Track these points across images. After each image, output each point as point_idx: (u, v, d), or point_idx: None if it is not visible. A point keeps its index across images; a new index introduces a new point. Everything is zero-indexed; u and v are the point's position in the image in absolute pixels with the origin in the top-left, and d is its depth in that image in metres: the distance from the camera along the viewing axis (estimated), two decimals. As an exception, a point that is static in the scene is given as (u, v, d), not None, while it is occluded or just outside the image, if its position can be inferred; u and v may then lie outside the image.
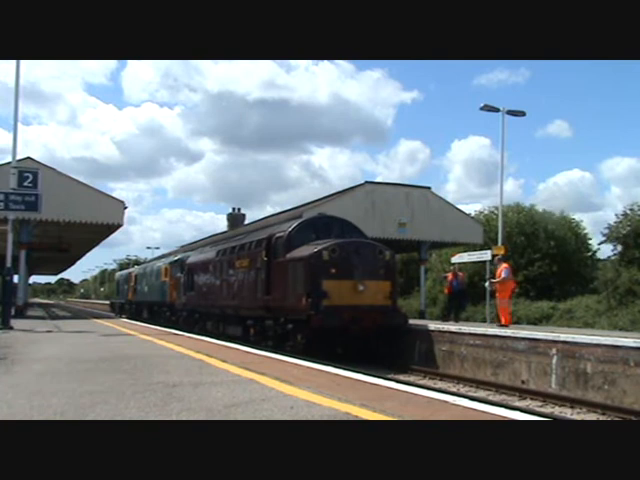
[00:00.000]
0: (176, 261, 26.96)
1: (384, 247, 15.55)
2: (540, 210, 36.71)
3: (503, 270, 15.75)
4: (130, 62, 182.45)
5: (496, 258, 17.26)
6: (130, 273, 39.08)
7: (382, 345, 14.88)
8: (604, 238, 27.09)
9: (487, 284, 16.86)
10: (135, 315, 33.49)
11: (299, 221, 16.29)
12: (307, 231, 15.67)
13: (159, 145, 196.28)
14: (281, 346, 14.64)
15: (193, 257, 24.34)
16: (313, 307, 13.78)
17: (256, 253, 16.81)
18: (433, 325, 16.14)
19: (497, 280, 15.89)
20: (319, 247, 14.34)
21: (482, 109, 20.99)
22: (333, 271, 14.11)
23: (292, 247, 15.15)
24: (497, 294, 16.17)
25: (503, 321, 15.73)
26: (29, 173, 16.69)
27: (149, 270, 32.73)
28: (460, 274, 19.54)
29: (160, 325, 21.36)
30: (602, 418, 9.55)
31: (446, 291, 19.91)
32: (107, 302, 63.52)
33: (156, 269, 30.65)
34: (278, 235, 15.96)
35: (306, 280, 14.24)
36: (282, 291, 15.19)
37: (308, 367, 7.82)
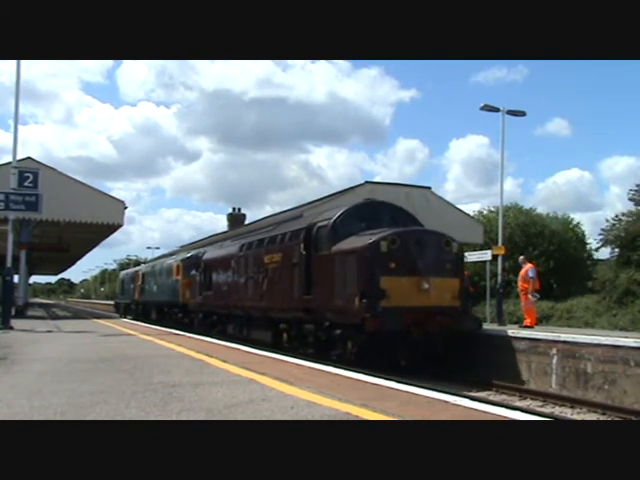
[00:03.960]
0: (189, 258, 24.91)
1: (451, 237, 13.27)
2: (541, 212, 36.73)
3: (529, 270, 15.53)
4: (125, 61, 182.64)
5: (521, 258, 16.80)
6: (137, 272, 36.68)
7: (450, 354, 12.46)
8: (601, 242, 27.26)
9: (531, 296, 15.89)
10: (142, 316, 31.43)
11: (345, 208, 13.74)
12: (355, 219, 13.28)
13: (156, 144, 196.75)
14: (325, 354, 12.57)
15: (211, 253, 22.00)
16: (369, 309, 11.51)
17: (292, 246, 14.41)
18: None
19: (534, 288, 15.40)
20: (375, 237, 12.01)
21: (482, 109, 20.96)
22: (392, 266, 11.79)
23: (339, 238, 12.81)
24: (522, 295, 15.98)
25: (529, 322, 15.57)
26: (29, 173, 16.72)
27: (158, 268, 30.41)
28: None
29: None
30: (602, 418, 9.54)
31: None
32: (108, 302, 63.22)
33: (166, 267, 28.39)
34: (321, 224, 13.48)
35: (360, 277, 11.90)
36: (327, 290, 12.78)
37: (309, 367, 7.82)
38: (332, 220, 13.18)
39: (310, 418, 4.33)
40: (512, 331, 13.39)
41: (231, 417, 4.36)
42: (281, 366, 7.84)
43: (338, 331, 12.40)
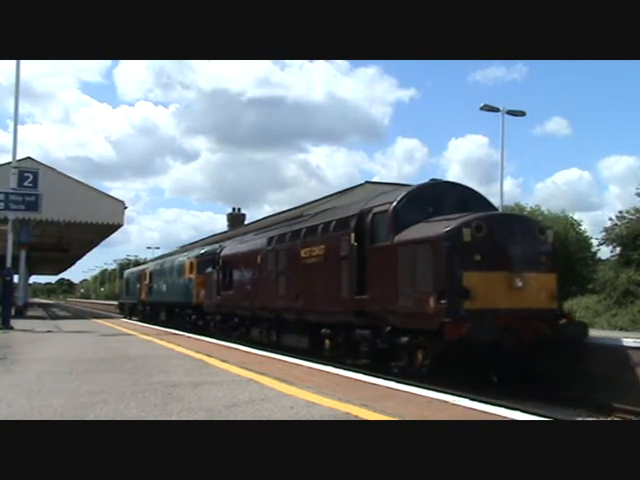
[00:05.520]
0: (204, 254, 22.84)
1: (543, 223, 11.03)
2: (543, 211, 36.68)
3: None
4: (123, 60, 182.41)
5: None
6: (143, 270, 34.23)
7: (546, 367, 10.15)
8: (602, 241, 27.23)
9: None
10: (150, 318, 29.00)
11: (407, 190, 11.52)
12: (420, 203, 11.08)
13: (154, 144, 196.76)
14: (383, 366, 10.55)
15: (230, 248, 19.78)
16: (450, 312, 9.28)
17: (338, 237, 12.18)
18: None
19: None
20: (455, 223, 9.82)
21: (482, 109, 21.00)
22: (477, 258, 9.61)
23: (402, 225, 10.64)
24: None
25: None
26: (29, 173, 16.77)
27: (168, 266, 28.07)
28: None
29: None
30: (602, 418, 9.53)
31: None
32: (108, 302, 63.04)
33: (177, 265, 26.14)
34: (377, 210, 11.27)
35: (437, 272, 9.68)
36: (388, 288, 10.54)
37: (308, 367, 7.83)
38: (393, 205, 10.86)
39: (310, 418, 4.33)
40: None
41: (231, 417, 4.36)
42: (281, 366, 7.84)
43: (404, 338, 10.11)
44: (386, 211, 10.99)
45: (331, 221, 12.83)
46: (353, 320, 11.48)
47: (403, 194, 11.14)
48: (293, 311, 14.13)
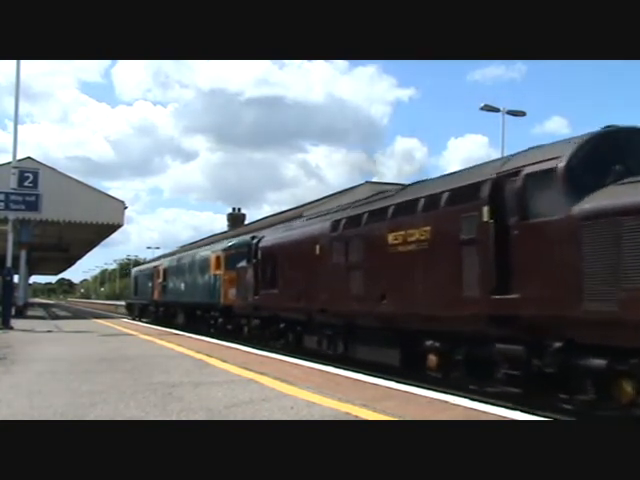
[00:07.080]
0: (234, 246, 19.87)
1: None
2: None
3: None
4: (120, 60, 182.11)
5: None
6: (156, 267, 30.58)
7: None
8: None
9: None
10: (164, 320, 25.96)
11: (580, 141, 7.34)
12: (602, 159, 7.25)
13: (153, 143, 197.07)
14: (548, 398, 7.13)
15: (273, 237, 16.03)
16: None
17: (455, 213, 8.54)
18: None
19: None
20: None
21: (482, 109, 21.01)
22: None
23: (580, 191, 6.94)
24: None
25: None
26: (29, 173, 16.79)
27: (187, 262, 24.84)
28: None
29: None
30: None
31: None
32: (109, 302, 62.91)
33: (199, 260, 22.87)
34: (533, 170, 7.45)
35: None
36: (562, 284, 6.84)
37: (308, 367, 7.83)
38: (564, 161, 7.14)
39: (310, 418, 4.33)
40: None
41: (231, 417, 4.36)
42: (281, 366, 7.84)
43: (598, 361, 6.48)
44: (552, 170, 7.24)
45: (442, 192, 9.12)
46: (488, 330, 7.91)
47: (576, 146, 7.35)
48: (375, 315, 10.50)
